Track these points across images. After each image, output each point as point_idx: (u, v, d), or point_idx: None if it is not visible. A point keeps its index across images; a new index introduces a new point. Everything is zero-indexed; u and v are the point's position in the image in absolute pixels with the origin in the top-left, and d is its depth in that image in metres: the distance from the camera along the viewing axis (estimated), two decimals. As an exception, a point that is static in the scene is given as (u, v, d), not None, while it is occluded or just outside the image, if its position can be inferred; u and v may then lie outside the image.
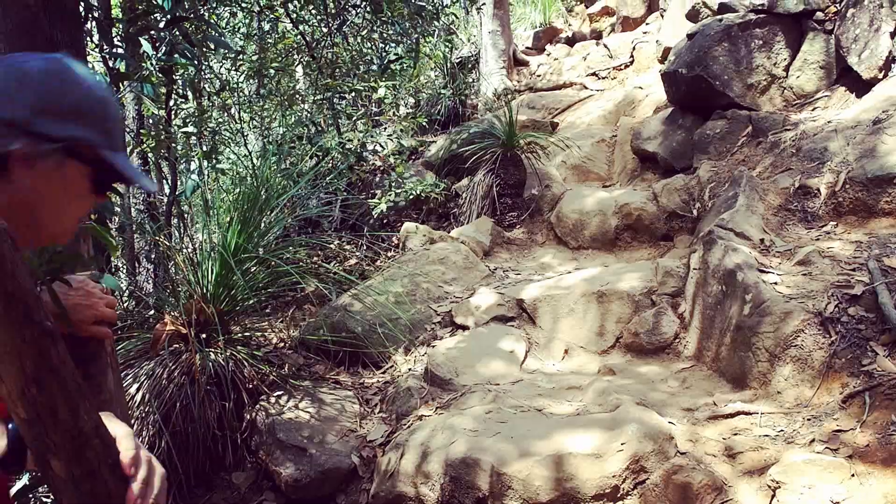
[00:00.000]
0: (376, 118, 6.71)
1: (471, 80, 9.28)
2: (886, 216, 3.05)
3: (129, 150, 4.39)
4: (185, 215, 4.83)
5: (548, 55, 9.71)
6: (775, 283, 2.77)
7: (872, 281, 2.56)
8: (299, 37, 5.82)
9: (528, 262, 4.59)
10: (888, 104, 3.60)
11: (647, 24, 8.75)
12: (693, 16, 7.58)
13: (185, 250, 3.80)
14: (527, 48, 10.26)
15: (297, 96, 6.30)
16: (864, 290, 2.55)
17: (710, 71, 4.65)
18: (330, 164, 5.56)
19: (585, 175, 5.81)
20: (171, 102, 4.18)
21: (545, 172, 5.29)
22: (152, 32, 2.67)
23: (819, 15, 4.62)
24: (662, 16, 8.52)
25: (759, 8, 4.78)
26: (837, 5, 4.64)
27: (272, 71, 5.69)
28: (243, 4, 5.84)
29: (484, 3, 8.66)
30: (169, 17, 2.72)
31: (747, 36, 4.71)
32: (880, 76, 3.99)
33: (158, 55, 2.73)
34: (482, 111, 8.39)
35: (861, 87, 4.12)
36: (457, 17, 6.86)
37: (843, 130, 3.56)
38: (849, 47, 4.23)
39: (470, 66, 9.64)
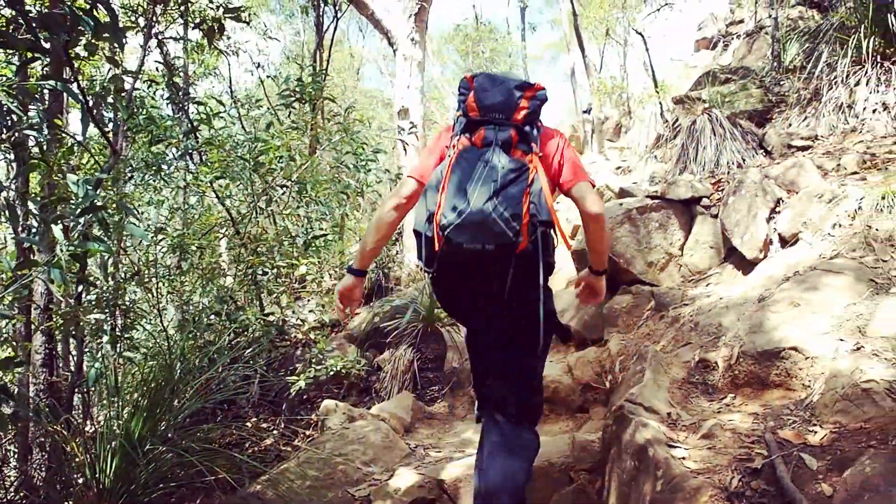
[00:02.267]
0: (299, 292, 6.79)
1: (394, 252, 9.57)
2: (777, 387, 3.24)
3: (35, 327, 4.26)
4: (89, 397, 4.63)
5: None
6: (684, 458, 2.85)
7: (770, 454, 2.67)
8: (224, 212, 5.97)
9: (449, 437, 4.56)
10: (770, 282, 3.94)
11: (557, 202, 9.34)
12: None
13: (83, 438, 3.62)
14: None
15: (219, 270, 6.34)
16: (763, 463, 2.65)
17: (614, 250, 4.99)
18: (250, 339, 5.52)
19: (504, 347, 5.93)
20: (81, 287, 4.14)
21: (465, 346, 5.38)
22: (65, 221, 2.72)
23: (705, 201, 5.13)
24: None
25: (654, 194, 5.26)
26: (720, 193, 5.17)
27: (194, 247, 5.76)
28: (171, 183, 6.01)
29: (405, 182, 9.13)
30: (84, 205, 2.78)
31: (646, 218, 5.13)
32: (761, 256, 4.39)
33: (70, 243, 2.77)
34: (405, 282, 8.59)
35: (746, 265, 4.50)
36: (380, 195, 7.20)
37: (733, 307, 3.85)
38: (732, 230, 4.66)
39: (394, 239, 9.98)
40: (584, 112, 18.58)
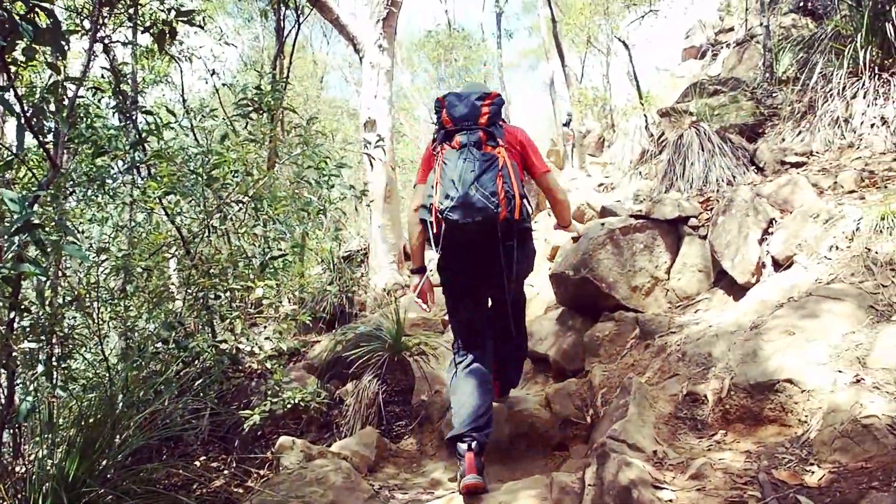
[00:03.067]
0: (255, 317, 6.69)
1: (359, 274, 9.51)
2: (772, 423, 3.24)
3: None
4: (20, 434, 4.49)
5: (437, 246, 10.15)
6: (671, 501, 2.83)
7: (764, 496, 2.66)
8: (174, 230, 5.87)
9: (417, 477, 4.49)
10: (763, 308, 3.96)
11: (535, 221, 9.39)
12: (579, 216, 8.21)
13: (11, 480, 3.49)
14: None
15: (168, 294, 6.23)
16: (757, 506, 2.64)
17: (596, 273, 5.00)
18: (200, 369, 5.41)
19: (478, 377, 5.90)
20: (14, 314, 4.03)
21: (435, 377, 5.34)
22: (-1, 241, 2.65)
23: (693, 221, 5.16)
24: (549, 214, 9.17)
25: (639, 214, 5.29)
26: (709, 212, 5.21)
27: (140, 268, 5.65)
28: (116, 199, 5.91)
29: (373, 200, 9.11)
30: (20, 223, 2.70)
31: (630, 240, 5.15)
32: (753, 280, 4.42)
33: (3, 265, 2.68)
34: (371, 307, 8.53)
35: (737, 290, 4.53)
36: (344, 214, 7.16)
37: (724, 335, 3.85)
38: (722, 252, 4.69)
39: (359, 260, 9.93)
40: (564, 125, 18.77)
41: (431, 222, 3.70)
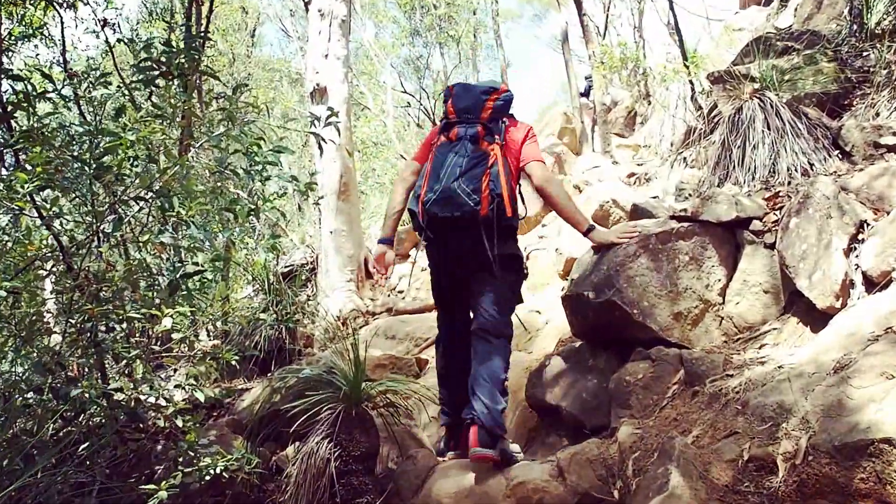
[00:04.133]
0: (161, 357, 6.63)
1: (304, 298, 9.49)
2: (865, 499, 3.24)
3: None
4: None
5: (413, 263, 10.18)
6: None
7: None
8: (51, 238, 5.81)
9: (384, 575, 4.47)
10: (851, 342, 3.98)
11: (542, 225, 9.45)
12: (602, 218, 8.27)
13: None
14: (384, 253, 10.71)
15: (42, 325, 6.17)
16: None
17: (625, 295, 5.01)
18: (86, 428, 5.36)
19: (466, 437, 5.90)
20: None
21: (407, 436, 5.32)
22: None
23: (757, 224, 5.19)
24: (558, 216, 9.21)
25: (683, 215, 5.31)
26: (778, 213, 5.24)
27: (3, 291, 5.59)
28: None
29: (323, 196, 9.11)
30: None
31: (670, 250, 5.16)
32: (838, 304, 4.44)
33: None
34: (321, 342, 8.52)
35: (816, 317, 4.55)
36: (283, 216, 7.11)
37: (798, 378, 3.87)
38: (796, 267, 4.72)
39: (304, 278, 9.92)
40: (582, 94, 18.84)
41: (417, 212, 4.92)
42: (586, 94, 19.19)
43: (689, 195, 7.87)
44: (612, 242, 5.25)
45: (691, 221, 5.33)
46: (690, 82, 10.91)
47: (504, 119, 5.05)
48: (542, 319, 7.17)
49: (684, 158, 9.37)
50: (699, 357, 4.64)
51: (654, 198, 9.12)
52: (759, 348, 4.73)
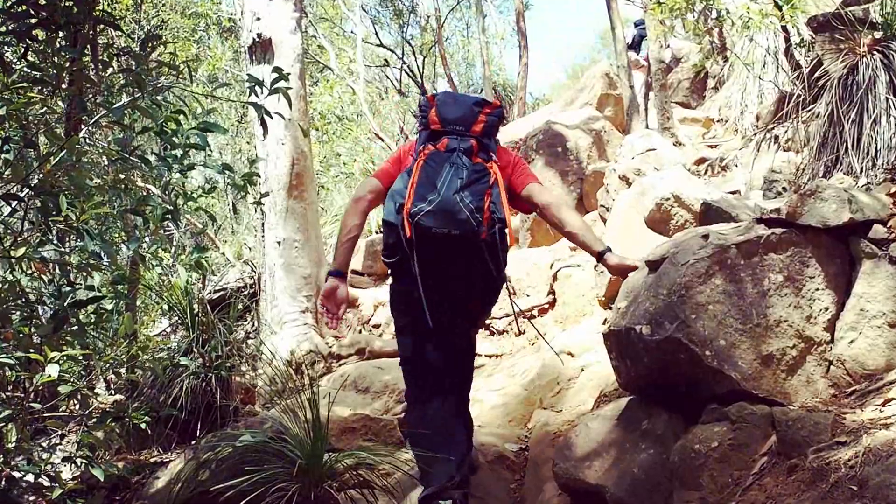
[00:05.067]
0: (43, 419, 6.65)
1: (242, 335, 9.49)
2: None
3: None
4: None
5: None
6: None
7: None
8: None
9: None
10: None
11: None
12: (659, 221, 8.30)
13: None
14: (354, 271, 10.74)
15: None
16: None
17: (693, 331, 4.99)
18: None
19: (470, 528, 5.90)
20: None
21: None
22: None
23: (879, 230, 5.16)
24: (603, 219, 9.22)
25: (774, 217, 5.29)
26: (905, 212, 5.24)
27: None
28: None
29: (268, 192, 9.12)
30: None
31: (757, 266, 5.16)
32: None
33: None
34: (265, 398, 8.53)
35: (963, 361, 4.55)
36: (212, 220, 7.07)
37: (937, 446, 3.88)
38: (935, 289, 4.73)
39: (242, 307, 9.91)
40: (630, 47, 18.83)
41: (398, 226, 5.40)
42: (636, 46, 19.20)
43: (784, 189, 7.90)
44: (634, 268, 5.75)
45: (787, 226, 5.30)
46: (784, 30, 10.92)
47: (495, 139, 5.88)
48: (575, 365, 7.16)
49: (776, 137, 9.40)
50: (798, 417, 4.63)
51: (734, 193, 9.13)
52: (883, 405, 4.70)
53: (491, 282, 5.71)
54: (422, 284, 5.43)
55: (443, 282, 5.57)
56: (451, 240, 5.28)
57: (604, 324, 5.79)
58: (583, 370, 6.87)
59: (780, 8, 10.56)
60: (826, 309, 5.08)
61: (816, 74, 8.49)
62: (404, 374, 6.08)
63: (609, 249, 5.72)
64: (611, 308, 6.76)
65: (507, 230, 5.49)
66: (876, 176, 6.31)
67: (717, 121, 15.09)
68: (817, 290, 5.11)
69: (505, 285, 5.93)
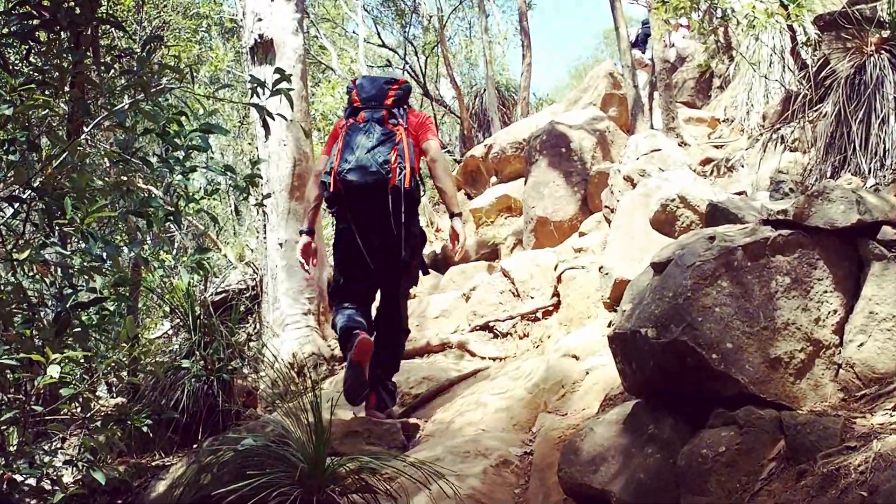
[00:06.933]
0: (45, 422, 6.64)
1: (244, 337, 9.48)
2: None
3: None
4: None
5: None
6: None
7: None
8: None
9: None
10: None
11: (580, 233, 9.47)
12: (665, 222, 8.30)
13: None
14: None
15: None
16: None
17: (699, 334, 4.97)
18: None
19: (474, 535, 5.89)
20: None
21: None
22: None
23: (888, 231, 5.15)
24: (608, 220, 9.19)
25: (781, 219, 5.28)
26: (915, 214, 5.23)
27: None
28: None
29: (270, 194, 9.12)
30: None
31: (764, 269, 5.14)
32: None
33: None
34: (268, 400, 8.53)
35: (978, 364, 4.54)
36: (215, 221, 7.08)
37: (951, 451, 3.87)
38: (945, 292, 4.72)
39: (243, 310, 9.91)
40: (634, 45, 18.80)
41: (329, 183, 7.32)
42: (641, 44, 19.18)
43: (791, 191, 7.89)
44: (459, 237, 7.61)
45: (794, 228, 5.29)
46: (791, 29, 10.91)
47: (405, 107, 7.78)
48: (580, 368, 7.14)
49: (782, 138, 9.40)
50: (807, 422, 4.62)
51: (740, 194, 9.12)
52: (894, 409, 4.68)
53: (408, 226, 7.36)
54: (354, 224, 7.41)
55: (367, 221, 7.40)
56: (369, 188, 7.20)
57: (609, 326, 5.77)
58: (587, 374, 6.86)
59: (785, 7, 10.55)
60: (834, 311, 5.08)
61: (823, 74, 8.49)
62: (330, 298, 8.33)
63: (459, 215, 7.66)
64: (616, 310, 6.74)
65: (416, 178, 7.47)
66: (884, 177, 6.31)
67: (723, 121, 15.08)
68: (825, 292, 5.11)
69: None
